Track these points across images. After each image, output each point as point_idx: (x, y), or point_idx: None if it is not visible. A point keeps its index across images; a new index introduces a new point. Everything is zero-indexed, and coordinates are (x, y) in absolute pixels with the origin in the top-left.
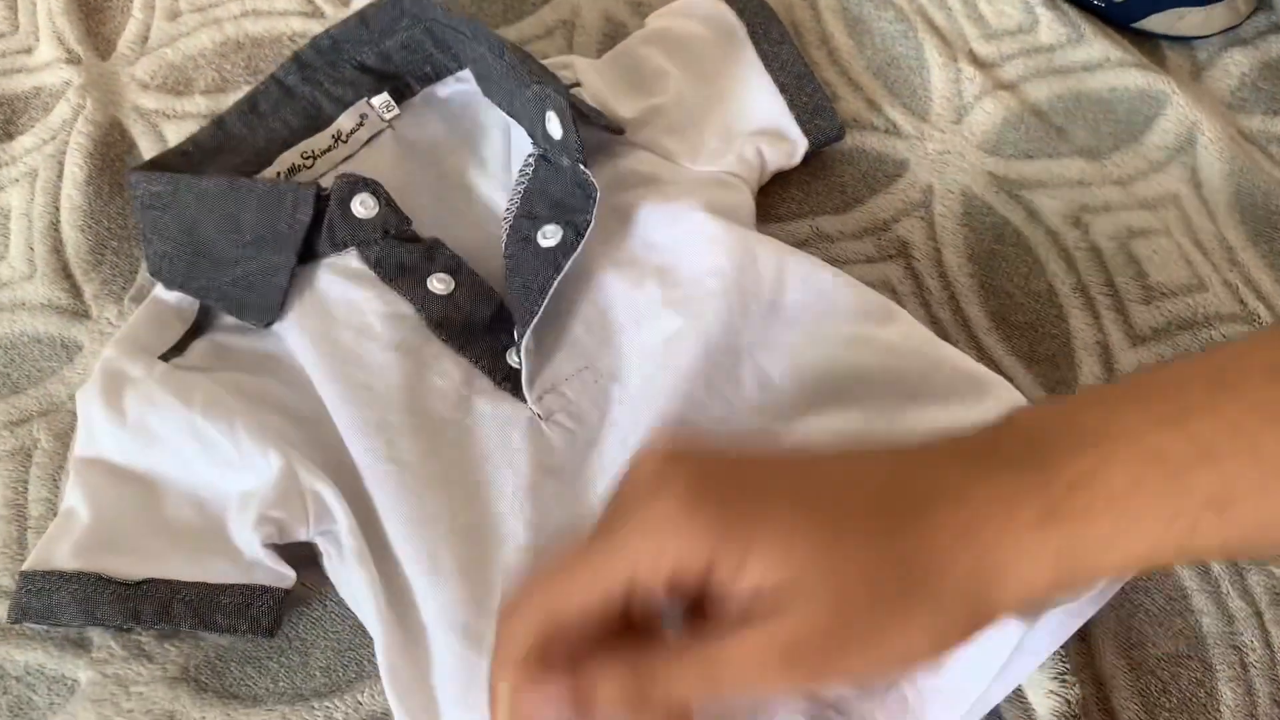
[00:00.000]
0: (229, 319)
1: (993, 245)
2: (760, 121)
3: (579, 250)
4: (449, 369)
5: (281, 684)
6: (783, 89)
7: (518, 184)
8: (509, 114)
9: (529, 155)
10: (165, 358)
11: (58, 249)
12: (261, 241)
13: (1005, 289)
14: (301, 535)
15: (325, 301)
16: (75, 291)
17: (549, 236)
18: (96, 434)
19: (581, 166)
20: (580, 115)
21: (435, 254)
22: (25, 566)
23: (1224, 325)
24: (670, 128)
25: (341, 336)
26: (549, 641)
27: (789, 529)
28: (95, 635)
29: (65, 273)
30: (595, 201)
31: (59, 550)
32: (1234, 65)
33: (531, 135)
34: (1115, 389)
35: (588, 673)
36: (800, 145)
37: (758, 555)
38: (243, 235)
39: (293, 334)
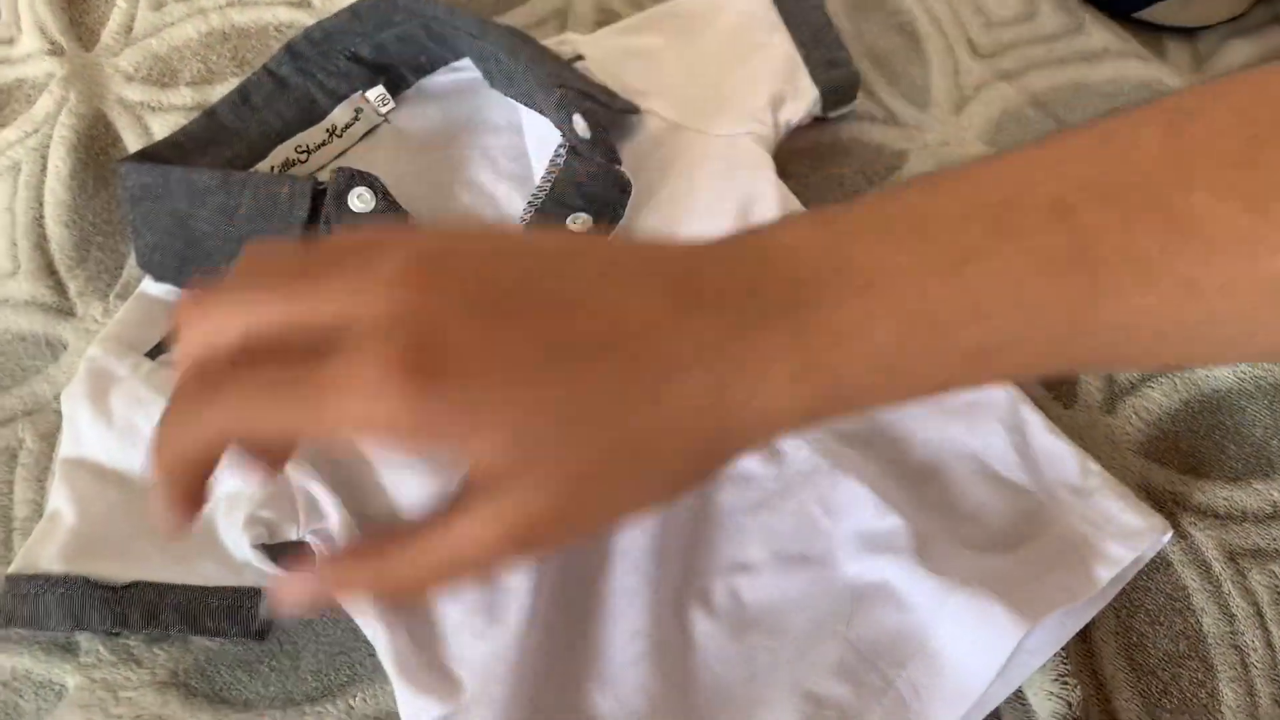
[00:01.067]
0: None
1: None
2: (774, 77)
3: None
4: None
5: (272, 688)
6: (799, 44)
7: (547, 173)
8: (528, 106)
9: (559, 146)
10: (152, 355)
11: (42, 245)
12: (257, 234)
13: None
14: (292, 535)
15: None
16: (60, 288)
17: (577, 222)
18: (82, 434)
19: (618, 167)
20: (600, 104)
21: None
22: (11, 570)
23: None
24: (683, 93)
25: None
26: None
27: (518, 418)
28: (83, 640)
29: (50, 269)
30: (629, 195)
31: (45, 553)
32: (1236, 56)
33: (559, 128)
34: (894, 210)
35: (335, 563)
36: (811, 94)
37: (481, 432)
38: (237, 228)
39: None
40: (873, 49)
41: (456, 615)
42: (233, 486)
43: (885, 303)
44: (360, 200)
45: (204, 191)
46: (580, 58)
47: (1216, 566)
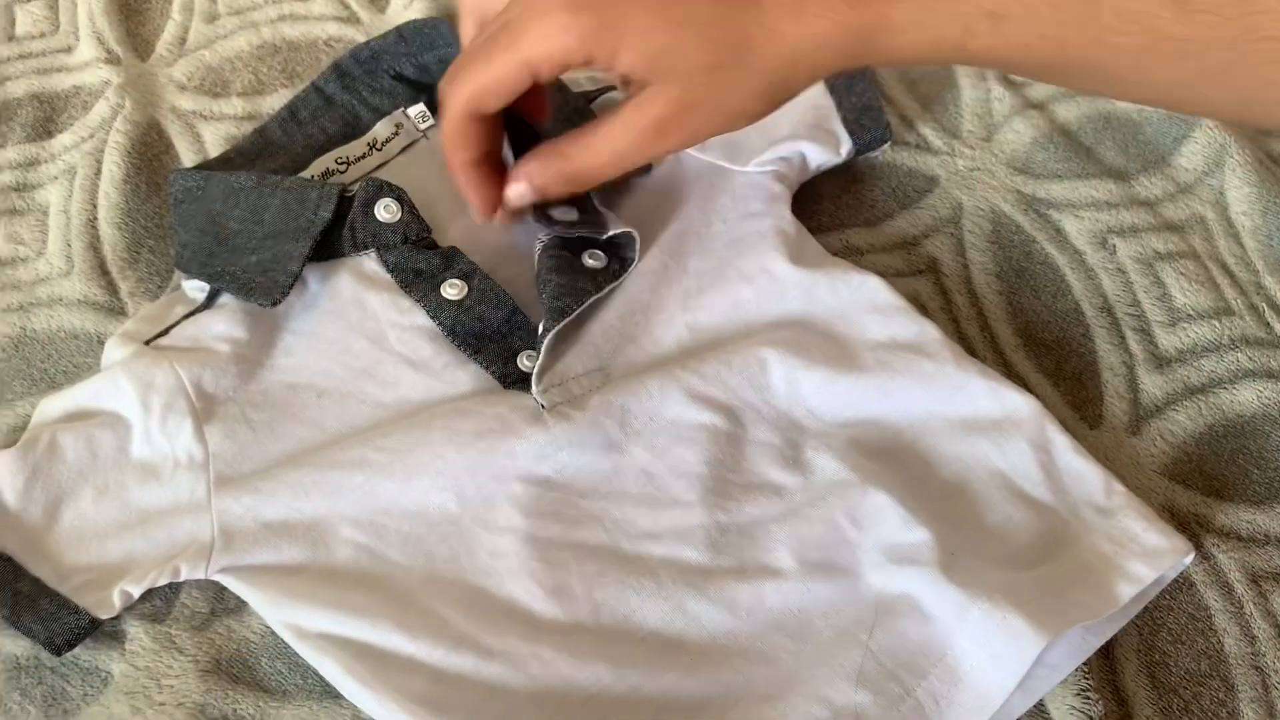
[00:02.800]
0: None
1: (1021, 264)
2: (804, 119)
3: (619, 281)
4: (459, 378)
5: (311, 680)
6: (831, 89)
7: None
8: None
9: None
10: (150, 342)
11: (95, 246)
12: (281, 234)
13: (1032, 307)
14: (199, 575)
15: (341, 302)
16: (111, 288)
17: (593, 259)
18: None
19: (624, 229)
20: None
21: (451, 261)
22: None
23: (1249, 349)
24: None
25: (355, 344)
26: (476, 115)
27: (646, 28)
28: (129, 628)
29: (102, 270)
30: (638, 247)
31: None
32: None
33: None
34: None
35: (530, 162)
36: (844, 143)
37: (624, 49)
38: (264, 227)
39: (304, 331)
40: (906, 76)
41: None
42: (159, 500)
43: None
44: (386, 210)
45: (238, 192)
46: (613, 89)
47: (1239, 588)
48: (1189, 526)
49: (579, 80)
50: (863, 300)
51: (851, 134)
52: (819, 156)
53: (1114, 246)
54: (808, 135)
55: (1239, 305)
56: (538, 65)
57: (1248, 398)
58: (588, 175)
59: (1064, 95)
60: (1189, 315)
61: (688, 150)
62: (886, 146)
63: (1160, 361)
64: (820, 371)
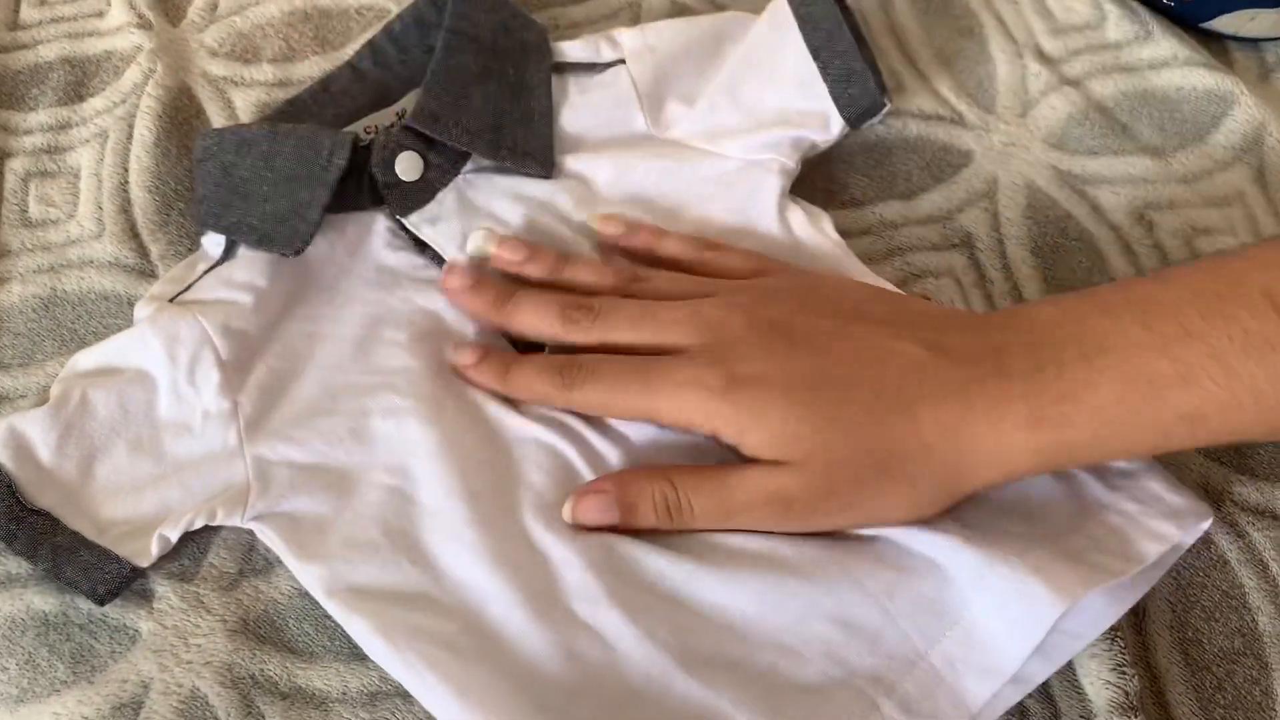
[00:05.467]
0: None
1: (1057, 239)
2: (790, 98)
3: None
4: (470, 325)
5: (338, 642)
6: (815, 54)
7: None
8: None
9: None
10: (175, 299)
11: (125, 209)
12: (293, 179)
13: (1068, 283)
14: (235, 521)
15: (356, 254)
16: (142, 251)
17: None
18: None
19: None
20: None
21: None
22: None
23: None
24: (701, 117)
25: (370, 293)
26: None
27: (782, 419)
28: (157, 587)
29: (132, 232)
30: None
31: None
32: None
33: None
34: (1122, 295)
35: (627, 481)
36: (834, 121)
37: (754, 431)
38: (275, 173)
39: (321, 282)
40: (942, 51)
41: None
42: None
43: (1108, 367)
44: (406, 165)
45: (249, 142)
46: (621, 61)
47: (1274, 567)
48: (1224, 504)
49: (568, 53)
50: None
51: (842, 107)
52: (809, 137)
53: (1152, 222)
54: (797, 120)
55: None
56: (658, 419)
57: None
58: (686, 520)
59: (1100, 72)
60: None
61: (669, 136)
62: (885, 111)
63: None
64: None
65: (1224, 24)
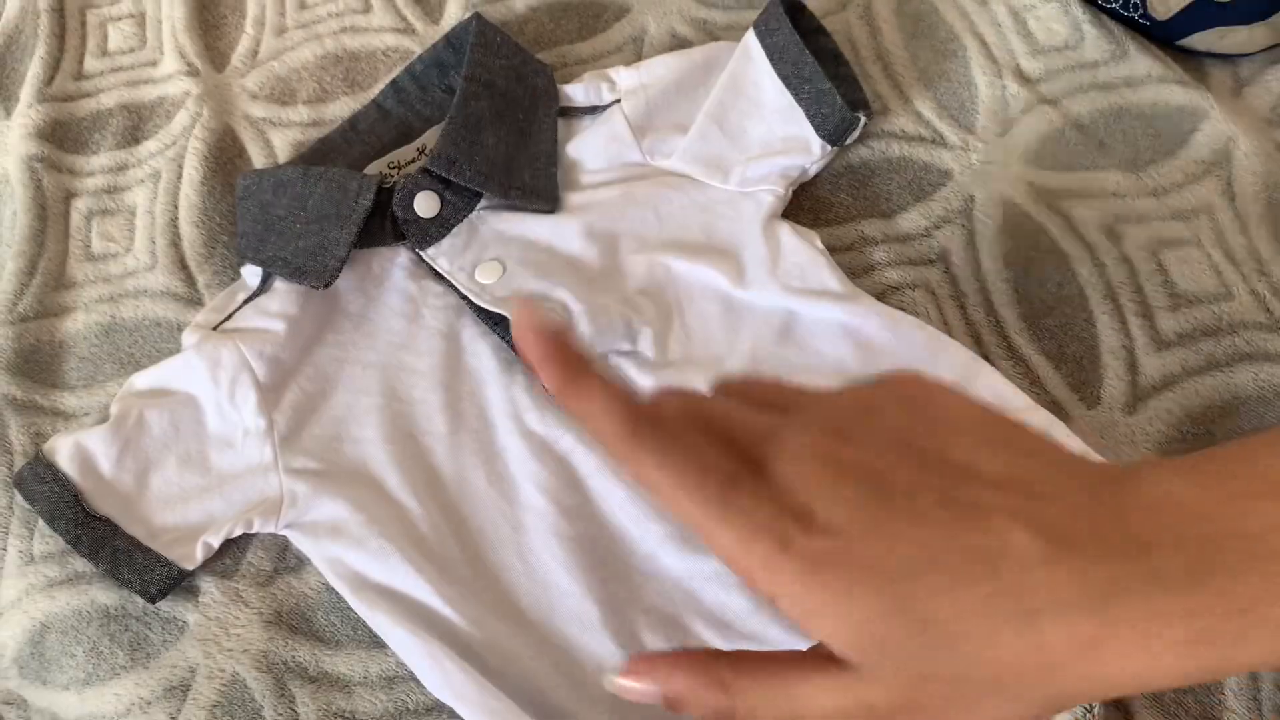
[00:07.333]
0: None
1: (1029, 253)
2: (771, 129)
3: None
4: (481, 349)
5: (360, 632)
6: (786, 81)
7: None
8: None
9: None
10: (217, 327)
11: (175, 243)
12: (324, 218)
13: (1038, 294)
14: (269, 529)
15: (381, 286)
16: (190, 281)
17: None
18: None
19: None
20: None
21: (481, 255)
22: (45, 445)
23: (1248, 333)
24: (693, 145)
25: (394, 323)
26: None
27: (871, 613)
28: (202, 584)
29: (182, 264)
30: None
31: (64, 449)
32: (1275, 81)
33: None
34: (1276, 469)
35: (676, 677)
36: (814, 143)
37: (829, 623)
38: (308, 212)
39: (349, 312)
40: (925, 73)
41: None
42: (234, 465)
43: None
44: (425, 203)
45: (286, 183)
46: (617, 101)
47: None
48: None
49: (573, 97)
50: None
51: (817, 126)
52: (797, 164)
53: (1120, 235)
54: (781, 148)
55: (1240, 290)
56: (709, 541)
57: (1244, 380)
58: (749, 712)
59: (1078, 90)
60: (1190, 300)
61: (663, 165)
62: (860, 127)
63: (1161, 344)
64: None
65: (1197, 41)
